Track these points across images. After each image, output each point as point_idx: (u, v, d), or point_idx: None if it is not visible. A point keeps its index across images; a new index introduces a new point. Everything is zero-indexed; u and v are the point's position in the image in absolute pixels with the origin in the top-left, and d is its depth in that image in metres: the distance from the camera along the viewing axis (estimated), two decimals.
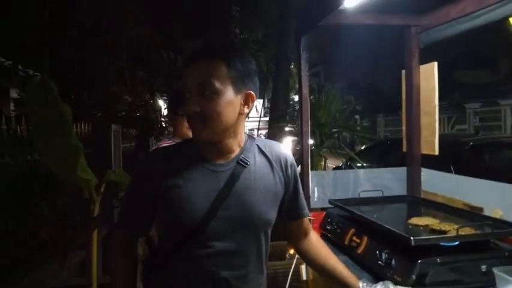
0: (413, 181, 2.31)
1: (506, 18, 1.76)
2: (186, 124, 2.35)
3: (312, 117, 4.27)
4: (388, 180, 2.38)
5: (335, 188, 2.31)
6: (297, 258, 2.26)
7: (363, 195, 2.15)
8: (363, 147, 6.11)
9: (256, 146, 1.24)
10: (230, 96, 1.10)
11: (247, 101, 1.15)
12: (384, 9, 2.22)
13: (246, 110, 1.16)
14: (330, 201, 2.13)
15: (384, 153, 5.77)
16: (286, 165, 1.25)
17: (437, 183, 2.18)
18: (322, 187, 2.35)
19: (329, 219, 2.07)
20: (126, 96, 7.32)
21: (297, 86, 2.31)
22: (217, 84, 1.08)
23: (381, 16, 2.21)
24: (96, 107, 6.40)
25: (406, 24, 2.26)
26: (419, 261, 1.39)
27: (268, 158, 1.23)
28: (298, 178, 1.31)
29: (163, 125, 8.52)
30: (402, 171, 2.37)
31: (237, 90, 1.11)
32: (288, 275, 2.25)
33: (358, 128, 4.93)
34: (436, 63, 2.17)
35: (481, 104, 17.61)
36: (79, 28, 6.36)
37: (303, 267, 2.19)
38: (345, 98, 4.69)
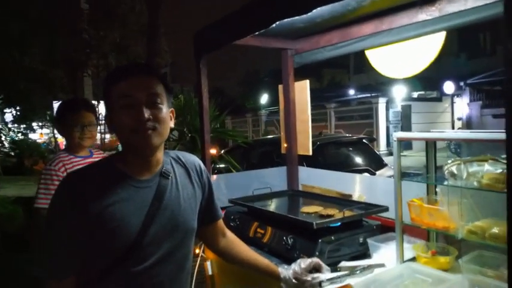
0: (292, 177, 2.75)
1: (363, 51, 2.32)
2: (76, 134, 2.20)
3: (191, 124, 4.48)
4: (273, 178, 2.78)
5: (231, 189, 2.58)
6: (201, 256, 2.46)
7: (256, 192, 2.49)
8: (225, 150, 6.52)
9: (170, 157, 1.35)
10: (167, 108, 1.24)
11: (172, 116, 1.29)
12: (266, 32, 2.59)
13: (172, 124, 1.31)
14: (230, 201, 2.39)
15: (246, 153, 6.33)
16: (201, 171, 1.41)
17: (313, 178, 2.68)
18: (220, 189, 2.60)
19: (232, 217, 2.32)
20: None
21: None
22: (162, 97, 1.22)
23: (264, 39, 2.57)
24: None
25: (283, 47, 2.68)
26: (319, 240, 1.77)
27: (185, 167, 1.37)
28: (211, 182, 1.48)
29: None
30: (283, 170, 2.80)
31: (169, 105, 1.26)
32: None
33: (231, 132, 5.32)
34: (308, 81, 2.66)
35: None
36: None
37: (208, 263, 2.40)
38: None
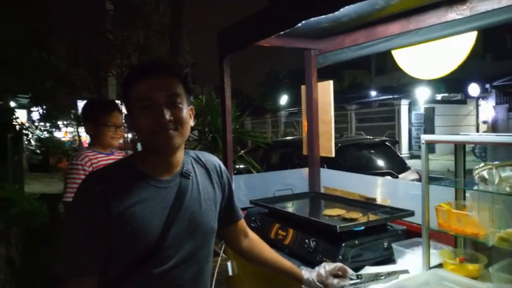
0: (314, 179, 2.72)
1: (389, 51, 2.27)
2: (109, 134, 2.29)
3: (212, 125, 4.49)
4: (294, 179, 2.75)
5: (251, 189, 2.56)
6: (221, 256, 2.46)
7: (277, 194, 2.47)
8: (244, 150, 6.51)
9: (191, 157, 1.33)
10: (187, 108, 1.23)
11: (191, 115, 1.27)
12: (290, 32, 2.56)
13: (192, 123, 1.29)
14: (251, 201, 2.37)
15: (266, 154, 6.32)
16: (221, 172, 1.39)
17: (335, 180, 2.64)
18: (240, 189, 2.60)
19: (253, 218, 2.31)
20: None
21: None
22: (182, 96, 1.20)
23: (287, 39, 2.55)
24: None
25: (307, 47, 2.65)
26: (343, 244, 1.74)
27: (206, 167, 1.35)
28: (232, 183, 1.46)
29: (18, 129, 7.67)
30: (305, 171, 2.77)
31: (188, 104, 1.25)
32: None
33: (251, 133, 5.33)
34: (331, 82, 2.62)
35: None
36: None
37: (229, 263, 2.40)
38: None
